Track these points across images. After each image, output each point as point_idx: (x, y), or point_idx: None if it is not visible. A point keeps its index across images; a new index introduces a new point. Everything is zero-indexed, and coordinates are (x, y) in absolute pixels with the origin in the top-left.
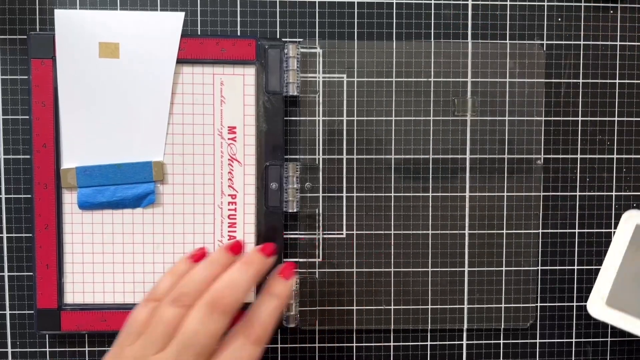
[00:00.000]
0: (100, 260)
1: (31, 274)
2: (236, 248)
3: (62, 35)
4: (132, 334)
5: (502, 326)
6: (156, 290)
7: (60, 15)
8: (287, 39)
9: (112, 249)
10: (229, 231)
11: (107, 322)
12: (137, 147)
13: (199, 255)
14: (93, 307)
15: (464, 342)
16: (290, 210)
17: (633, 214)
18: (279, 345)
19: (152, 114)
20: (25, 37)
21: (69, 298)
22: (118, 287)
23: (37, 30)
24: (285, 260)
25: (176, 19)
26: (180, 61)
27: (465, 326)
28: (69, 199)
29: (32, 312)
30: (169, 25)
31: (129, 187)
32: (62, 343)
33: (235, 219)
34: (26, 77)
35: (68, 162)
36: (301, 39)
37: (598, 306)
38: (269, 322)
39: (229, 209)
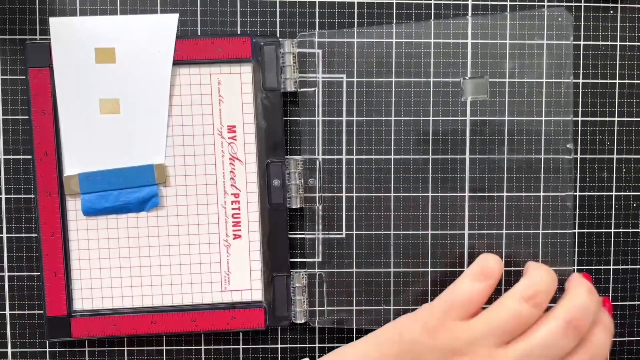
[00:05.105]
0: (108, 266)
1: (32, 274)
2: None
3: (58, 43)
4: (457, 307)
5: None
6: (486, 270)
7: (55, 23)
8: (283, 37)
9: (119, 253)
10: (233, 230)
11: (117, 326)
12: (138, 151)
13: None
14: (103, 312)
15: None
16: (294, 206)
17: None
18: (279, 346)
19: (151, 116)
20: (23, 46)
21: (78, 305)
22: (126, 291)
23: (38, 37)
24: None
25: (170, 19)
26: (177, 62)
27: None
28: (73, 205)
29: (34, 312)
30: (163, 27)
31: (132, 191)
32: (71, 346)
33: (239, 217)
34: (25, 78)
35: (70, 169)
36: (298, 37)
37: None
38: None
39: (232, 208)
